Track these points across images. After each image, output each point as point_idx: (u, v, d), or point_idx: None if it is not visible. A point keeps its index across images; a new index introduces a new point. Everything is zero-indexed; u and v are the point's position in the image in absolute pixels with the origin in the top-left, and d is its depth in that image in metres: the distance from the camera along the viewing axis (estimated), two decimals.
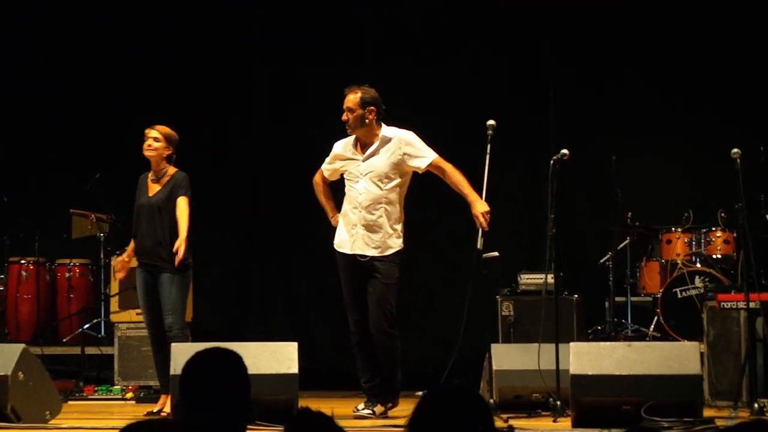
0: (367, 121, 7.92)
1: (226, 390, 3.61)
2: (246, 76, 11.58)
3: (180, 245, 8.01)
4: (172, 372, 7.31)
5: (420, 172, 7.97)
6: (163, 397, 8.32)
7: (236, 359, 3.69)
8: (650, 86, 10.93)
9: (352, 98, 7.93)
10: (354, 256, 7.93)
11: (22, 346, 7.67)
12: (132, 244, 8.46)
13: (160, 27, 11.56)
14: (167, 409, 7.93)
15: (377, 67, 10.78)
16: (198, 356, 3.67)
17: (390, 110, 8.06)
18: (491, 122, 7.83)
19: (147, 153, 8.28)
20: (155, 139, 8.26)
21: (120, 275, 8.76)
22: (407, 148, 7.92)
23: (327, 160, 8.19)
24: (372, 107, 7.91)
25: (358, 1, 11.55)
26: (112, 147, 11.10)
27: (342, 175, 8.11)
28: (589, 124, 10.92)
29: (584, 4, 11.06)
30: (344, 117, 7.94)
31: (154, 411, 8.20)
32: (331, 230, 8.21)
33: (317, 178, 8.27)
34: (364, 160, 7.95)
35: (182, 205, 8.18)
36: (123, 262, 8.51)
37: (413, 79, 10.95)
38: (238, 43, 11.57)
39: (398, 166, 7.91)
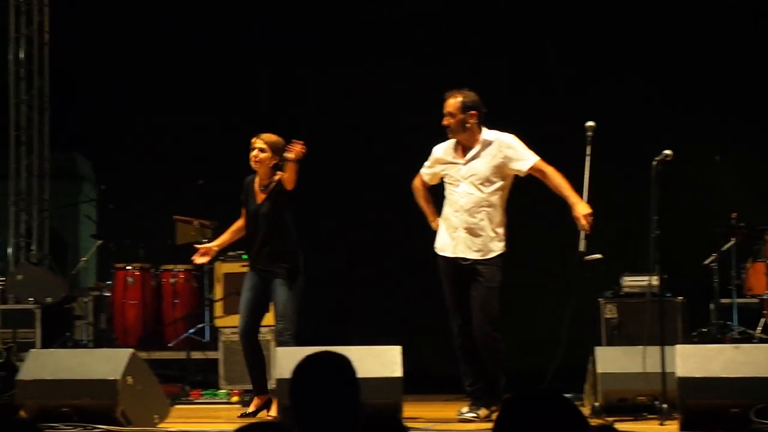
0: (468, 125, 7.91)
1: (337, 393, 3.61)
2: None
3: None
4: (278, 376, 7.37)
5: (521, 175, 7.94)
6: (257, 398, 8.39)
7: (346, 363, 3.69)
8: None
9: (453, 103, 7.93)
10: (456, 259, 7.92)
11: (130, 351, 7.79)
12: (224, 236, 8.54)
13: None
14: (273, 412, 7.99)
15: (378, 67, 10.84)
16: (308, 360, 3.68)
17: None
18: (590, 123, 7.79)
19: (254, 164, 8.31)
20: (261, 150, 8.28)
21: (198, 260, 8.74)
22: (508, 151, 7.90)
23: (426, 164, 8.20)
24: (473, 111, 7.90)
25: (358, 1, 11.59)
26: (215, 153, 11.24)
27: (442, 179, 8.12)
28: (694, 123, 10.83)
29: None
30: (445, 121, 7.94)
31: (249, 412, 8.27)
32: (430, 234, 8.21)
33: (417, 182, 8.28)
34: (465, 164, 7.94)
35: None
36: (208, 248, 8.59)
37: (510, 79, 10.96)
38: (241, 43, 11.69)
39: (500, 170, 7.89)
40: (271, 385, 9.50)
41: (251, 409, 8.33)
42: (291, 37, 11.65)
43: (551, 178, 7.84)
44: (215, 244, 8.67)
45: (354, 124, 11.66)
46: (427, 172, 8.20)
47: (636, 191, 10.26)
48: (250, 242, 8.36)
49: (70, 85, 12.69)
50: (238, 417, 8.24)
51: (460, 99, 7.91)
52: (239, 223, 8.55)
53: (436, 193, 8.27)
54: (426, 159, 8.22)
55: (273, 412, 8.04)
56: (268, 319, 8.69)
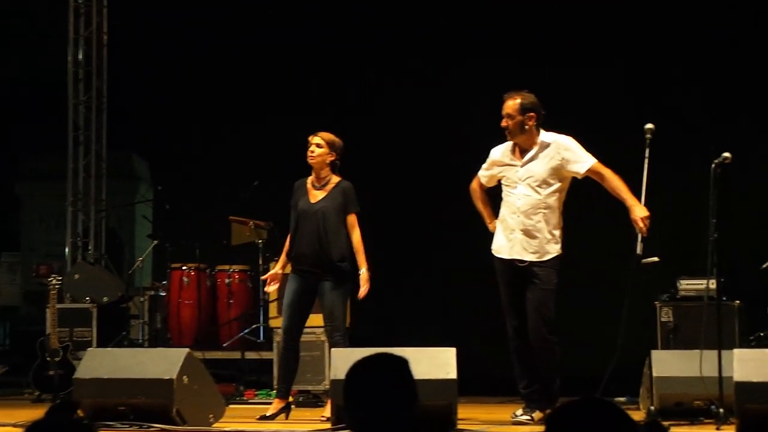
0: (526, 127, 7.89)
1: (394, 395, 3.58)
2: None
3: (364, 278, 8.18)
4: (333, 377, 7.38)
5: (579, 177, 7.90)
6: (276, 401, 8.38)
7: (404, 364, 3.67)
8: None
9: (512, 104, 7.90)
10: (512, 261, 7.90)
11: (186, 350, 7.82)
12: (283, 257, 8.52)
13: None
14: (327, 413, 8.00)
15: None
16: (366, 360, 3.65)
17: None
18: (650, 126, 7.75)
19: (310, 160, 8.30)
20: (318, 146, 8.29)
21: (270, 288, 8.76)
22: (566, 153, 7.87)
23: (484, 166, 8.19)
24: (532, 113, 7.87)
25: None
26: (270, 154, 11.29)
27: (499, 181, 8.10)
28: (753, 125, 10.74)
29: None
30: (503, 123, 7.92)
31: (268, 415, 8.22)
32: (486, 236, 8.19)
33: (474, 184, 8.27)
34: (522, 166, 7.92)
35: (356, 224, 8.28)
36: (275, 274, 8.57)
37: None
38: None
39: (557, 172, 7.86)
40: (326, 385, 9.55)
41: (270, 412, 8.25)
42: (348, 39, 11.68)
43: (609, 181, 7.80)
44: (280, 268, 8.62)
45: (412, 124, 11.67)
46: (484, 174, 8.19)
47: (694, 194, 10.22)
48: (299, 242, 8.32)
49: (128, 86, 12.79)
50: (256, 419, 8.20)
51: (518, 101, 7.89)
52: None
53: (494, 195, 8.25)
54: (484, 161, 8.20)
55: (327, 412, 8.02)
56: (319, 320, 8.70)
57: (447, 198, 10.68)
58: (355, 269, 8.25)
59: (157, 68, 12.69)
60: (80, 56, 12.57)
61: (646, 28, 11.20)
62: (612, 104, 10.97)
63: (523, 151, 7.96)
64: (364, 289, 8.19)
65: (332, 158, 8.32)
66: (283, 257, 8.56)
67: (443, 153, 11.15)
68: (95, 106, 12.61)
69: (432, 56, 11.69)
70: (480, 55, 11.44)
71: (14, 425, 7.33)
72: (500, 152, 8.08)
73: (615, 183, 7.76)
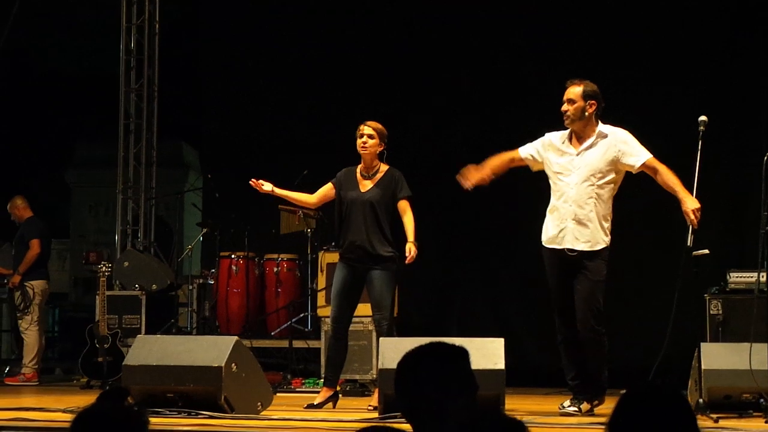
0: (586, 114, 7.85)
1: (454, 385, 3.54)
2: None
3: (411, 247, 8.11)
4: (381, 366, 7.38)
5: (633, 171, 7.85)
6: (324, 389, 8.40)
7: (463, 354, 3.62)
8: None
9: (574, 90, 7.87)
10: (563, 250, 7.87)
11: (234, 338, 7.83)
12: (296, 194, 8.55)
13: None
14: (374, 402, 8.00)
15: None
16: (424, 349, 3.61)
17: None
18: (703, 118, 7.69)
19: (362, 150, 8.30)
20: (369, 137, 8.28)
21: (260, 185, 8.51)
22: (623, 146, 7.83)
23: (534, 143, 8.05)
24: (593, 101, 7.84)
25: None
26: (320, 143, 11.32)
27: (540, 171, 8.04)
28: None
29: None
30: (564, 108, 7.88)
31: (315, 404, 8.22)
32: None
33: (505, 154, 8.15)
34: (578, 155, 7.88)
35: (409, 208, 8.25)
36: (272, 188, 8.54)
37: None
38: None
39: (613, 164, 7.81)
40: (373, 374, 9.56)
41: (318, 401, 8.26)
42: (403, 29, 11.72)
43: (663, 175, 7.74)
44: (279, 191, 8.57)
45: (461, 123, 11.66)
46: (528, 150, 8.06)
47: (747, 187, 10.16)
48: (349, 229, 8.30)
49: (179, 75, 12.87)
50: (303, 408, 8.20)
51: (581, 87, 7.87)
52: (311, 198, 8.55)
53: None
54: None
55: (374, 401, 8.02)
56: (367, 310, 8.70)
57: (498, 190, 10.67)
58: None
59: (207, 58, 12.76)
60: (132, 45, 12.66)
61: (694, 20, 11.12)
62: (665, 98, 10.90)
63: (580, 139, 7.91)
64: (411, 256, 8.13)
65: (381, 148, 8.33)
66: (295, 193, 8.55)
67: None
68: (146, 94, 12.70)
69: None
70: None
71: (63, 411, 7.40)
72: (558, 137, 8.01)
73: (669, 177, 7.70)
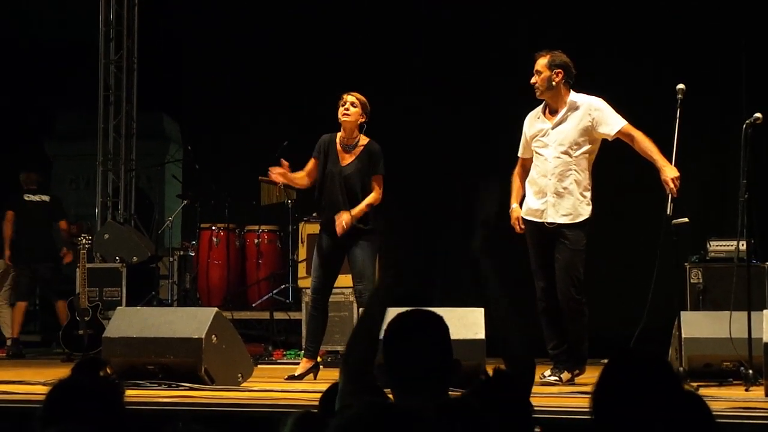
0: (554, 83, 7.85)
1: (431, 351, 3.61)
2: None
3: (354, 213, 8.06)
4: None
5: (609, 139, 7.86)
6: (304, 360, 8.39)
7: (439, 321, 3.66)
8: None
9: (541, 61, 7.90)
10: (543, 223, 7.87)
11: (215, 309, 7.84)
12: (299, 175, 8.42)
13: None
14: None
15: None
16: (402, 317, 3.66)
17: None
18: (681, 86, 7.69)
19: (343, 118, 8.23)
20: (353, 104, 8.23)
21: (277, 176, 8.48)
22: (596, 113, 7.82)
23: (522, 137, 8.11)
24: (559, 70, 7.84)
25: None
26: (300, 115, 11.28)
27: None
28: None
29: None
30: (532, 80, 7.89)
31: (296, 375, 8.21)
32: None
33: (517, 169, 8.17)
34: (553, 128, 7.88)
35: (377, 186, 8.21)
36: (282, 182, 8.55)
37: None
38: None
39: (588, 133, 7.82)
40: None
41: (299, 372, 8.26)
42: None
43: (639, 142, 7.74)
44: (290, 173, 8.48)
45: (463, 102, 11.61)
46: (524, 147, 8.10)
47: (725, 154, 10.16)
48: (326, 202, 8.26)
49: (158, 47, 12.80)
50: (284, 379, 8.20)
51: (547, 57, 7.87)
52: (304, 179, 8.43)
53: None
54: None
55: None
56: (347, 281, 8.69)
57: (479, 157, 10.66)
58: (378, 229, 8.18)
59: (187, 29, 12.69)
60: (111, 16, 12.58)
61: None
62: (640, 64, 10.89)
63: (554, 112, 7.91)
64: (338, 222, 8.05)
65: (363, 119, 8.28)
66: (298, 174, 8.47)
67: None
68: (126, 66, 12.64)
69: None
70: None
71: (44, 383, 7.38)
72: (534, 114, 8.03)
73: (646, 144, 7.71)
